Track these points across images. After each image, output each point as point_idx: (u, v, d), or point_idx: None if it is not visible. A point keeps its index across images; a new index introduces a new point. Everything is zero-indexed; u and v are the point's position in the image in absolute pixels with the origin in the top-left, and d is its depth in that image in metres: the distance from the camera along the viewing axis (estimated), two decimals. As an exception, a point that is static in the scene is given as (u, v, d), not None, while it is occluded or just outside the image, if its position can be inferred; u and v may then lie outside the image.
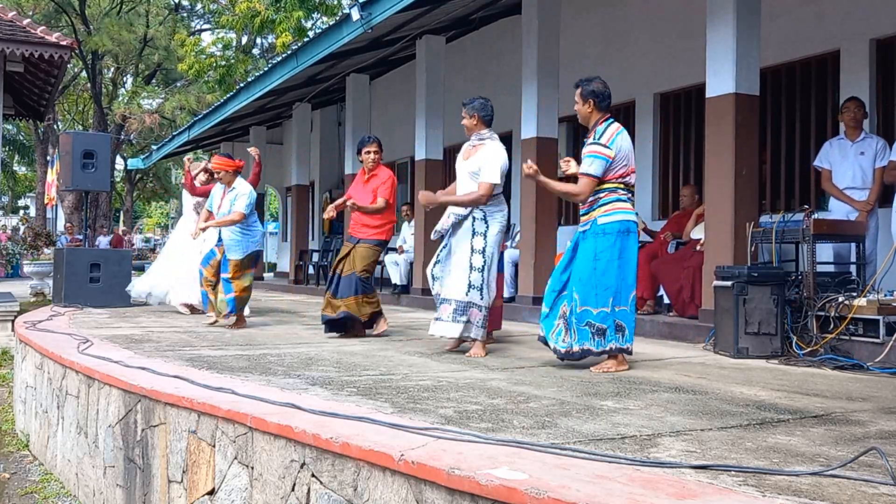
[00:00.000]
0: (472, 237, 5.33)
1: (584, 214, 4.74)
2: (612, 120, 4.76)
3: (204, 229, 7.67)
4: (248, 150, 8.34)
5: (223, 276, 7.09)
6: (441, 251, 5.52)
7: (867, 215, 6.06)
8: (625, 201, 4.68)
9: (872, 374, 4.68)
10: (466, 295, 5.25)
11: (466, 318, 5.25)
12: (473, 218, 5.34)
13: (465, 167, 5.47)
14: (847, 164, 6.23)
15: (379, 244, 6.54)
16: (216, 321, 7.39)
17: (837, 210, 6.27)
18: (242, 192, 7.15)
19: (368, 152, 6.54)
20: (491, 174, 5.29)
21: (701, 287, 6.48)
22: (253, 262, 7.28)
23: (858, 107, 6.28)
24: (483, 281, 5.28)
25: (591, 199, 4.67)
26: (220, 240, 7.35)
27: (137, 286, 9.18)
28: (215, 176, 7.64)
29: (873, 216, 6.12)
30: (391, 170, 6.84)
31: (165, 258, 9.27)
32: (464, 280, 5.28)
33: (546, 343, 4.83)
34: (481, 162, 5.35)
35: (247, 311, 8.52)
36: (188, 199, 9.03)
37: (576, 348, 4.63)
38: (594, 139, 4.67)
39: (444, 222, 5.48)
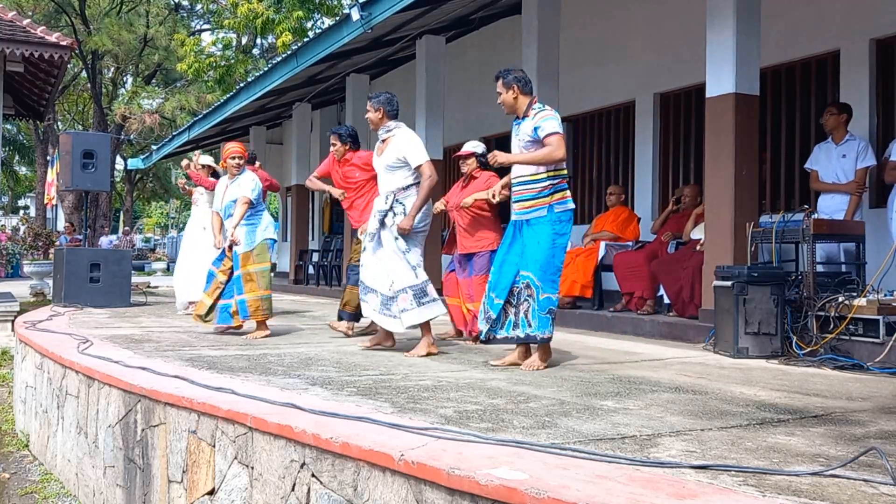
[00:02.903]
0: (393, 227, 5.30)
1: (533, 199, 4.68)
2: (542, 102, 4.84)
3: (230, 244, 6.61)
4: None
5: (236, 272, 6.42)
6: (365, 255, 5.46)
7: (856, 208, 6.20)
8: (568, 189, 4.81)
9: (872, 374, 4.68)
10: (391, 287, 5.20)
11: (398, 307, 5.19)
12: (394, 213, 5.31)
13: (381, 162, 5.44)
14: (830, 166, 6.39)
15: None
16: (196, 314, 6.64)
17: (824, 209, 6.34)
18: (248, 179, 6.64)
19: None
20: (419, 156, 5.32)
21: (701, 287, 6.47)
22: (267, 252, 6.63)
23: (832, 113, 6.39)
24: (408, 262, 5.21)
25: (541, 185, 4.68)
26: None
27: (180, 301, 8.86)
28: (231, 161, 6.77)
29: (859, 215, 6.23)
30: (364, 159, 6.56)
31: (186, 261, 8.60)
32: (393, 270, 5.22)
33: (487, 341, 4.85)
34: (400, 151, 5.33)
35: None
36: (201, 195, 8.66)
37: (536, 335, 4.67)
38: (539, 110, 4.73)
39: (372, 224, 5.43)
